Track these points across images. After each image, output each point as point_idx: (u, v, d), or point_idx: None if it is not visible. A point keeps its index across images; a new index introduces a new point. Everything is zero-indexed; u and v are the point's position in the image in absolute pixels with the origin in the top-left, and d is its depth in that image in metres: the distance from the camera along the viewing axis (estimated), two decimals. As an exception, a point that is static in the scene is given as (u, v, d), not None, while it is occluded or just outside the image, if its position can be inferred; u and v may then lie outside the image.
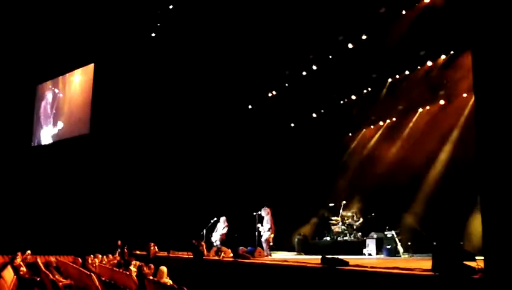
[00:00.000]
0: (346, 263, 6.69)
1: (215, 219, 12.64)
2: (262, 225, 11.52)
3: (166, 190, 15.87)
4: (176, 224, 14.52)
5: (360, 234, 12.94)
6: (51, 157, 19.51)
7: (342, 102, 14.79)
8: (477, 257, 5.17)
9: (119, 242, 13.84)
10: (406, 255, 10.93)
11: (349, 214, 13.44)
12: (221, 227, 12.58)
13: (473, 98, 5.19)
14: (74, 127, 19.27)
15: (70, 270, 9.12)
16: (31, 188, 18.98)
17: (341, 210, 13.52)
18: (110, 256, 12.24)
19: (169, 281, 7.16)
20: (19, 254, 11.03)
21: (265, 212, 11.51)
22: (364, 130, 15.40)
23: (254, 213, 11.71)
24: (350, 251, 11.87)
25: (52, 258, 10.26)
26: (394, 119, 14.34)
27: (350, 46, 12.81)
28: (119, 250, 13.15)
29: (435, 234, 10.53)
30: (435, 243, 6.66)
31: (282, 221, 12.63)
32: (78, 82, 19.77)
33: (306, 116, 15.67)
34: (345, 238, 13.03)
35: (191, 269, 10.20)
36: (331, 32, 12.89)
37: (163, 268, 7.61)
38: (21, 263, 9.70)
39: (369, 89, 14.03)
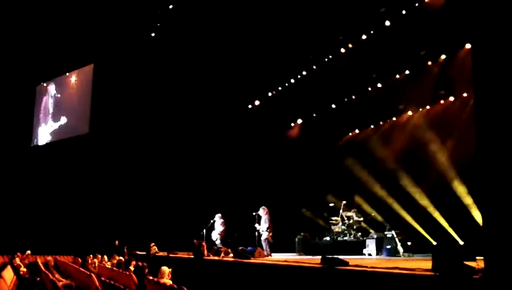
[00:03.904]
0: (346, 263, 6.68)
1: (215, 219, 12.69)
2: (260, 225, 11.56)
3: (166, 190, 15.86)
4: (175, 224, 14.52)
5: (360, 234, 12.92)
6: (50, 157, 19.51)
7: (342, 102, 14.76)
8: (477, 257, 5.17)
9: (117, 242, 13.81)
10: (406, 255, 10.92)
11: (349, 214, 13.42)
12: (218, 225, 12.66)
13: (473, 97, 5.17)
14: (74, 126, 19.27)
15: (70, 270, 9.12)
16: (31, 188, 18.98)
17: (341, 210, 13.50)
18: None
19: (169, 281, 7.13)
20: (19, 254, 11.04)
21: (263, 212, 11.55)
22: (364, 129, 15.38)
23: (254, 213, 11.74)
24: (350, 251, 11.85)
25: (50, 258, 10.24)
26: (394, 119, 14.34)
27: (350, 46, 12.82)
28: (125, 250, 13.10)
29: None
30: (435, 243, 6.66)
31: (282, 221, 12.62)
32: (77, 82, 19.77)
33: (305, 116, 15.65)
34: (345, 238, 13.01)
35: (191, 269, 10.20)
36: (330, 32, 12.88)
37: (165, 268, 7.56)
38: (20, 263, 9.70)
39: (369, 88, 14.02)
